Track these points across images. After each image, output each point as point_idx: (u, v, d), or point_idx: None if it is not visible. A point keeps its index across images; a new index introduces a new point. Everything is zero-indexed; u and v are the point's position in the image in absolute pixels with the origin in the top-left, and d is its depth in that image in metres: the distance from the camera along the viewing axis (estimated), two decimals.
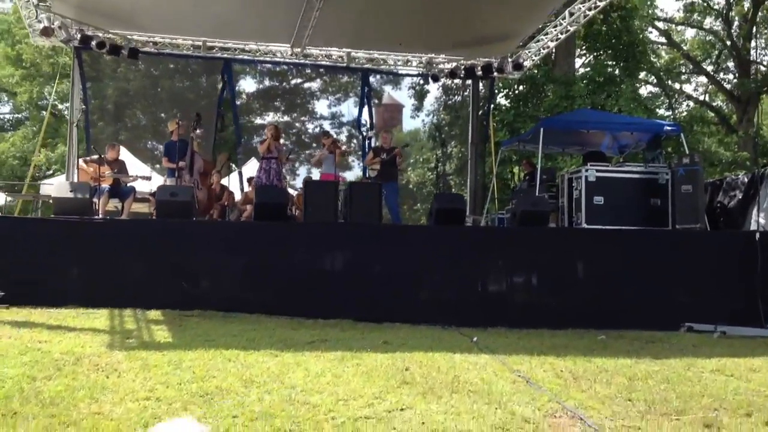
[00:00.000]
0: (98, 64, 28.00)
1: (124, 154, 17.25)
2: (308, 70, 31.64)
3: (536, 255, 9.46)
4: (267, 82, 31.80)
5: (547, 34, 14.61)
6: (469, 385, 5.33)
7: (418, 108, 30.16)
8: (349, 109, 32.59)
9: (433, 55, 15.54)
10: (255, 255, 8.84)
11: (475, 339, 7.31)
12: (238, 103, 30.67)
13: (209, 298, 8.48)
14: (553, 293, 9.37)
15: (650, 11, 30.71)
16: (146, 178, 10.53)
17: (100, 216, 9.90)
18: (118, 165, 10.63)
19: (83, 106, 14.41)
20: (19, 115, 37.66)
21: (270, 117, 32.05)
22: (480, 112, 17.69)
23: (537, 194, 11.74)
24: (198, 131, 10.88)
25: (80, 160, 10.63)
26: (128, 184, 10.55)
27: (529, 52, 15.13)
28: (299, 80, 32.33)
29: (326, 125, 32.53)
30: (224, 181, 13.40)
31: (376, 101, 33.82)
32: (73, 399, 4.52)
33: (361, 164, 11.80)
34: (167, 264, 8.66)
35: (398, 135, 45.29)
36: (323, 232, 8.93)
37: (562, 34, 14.21)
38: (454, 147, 24.38)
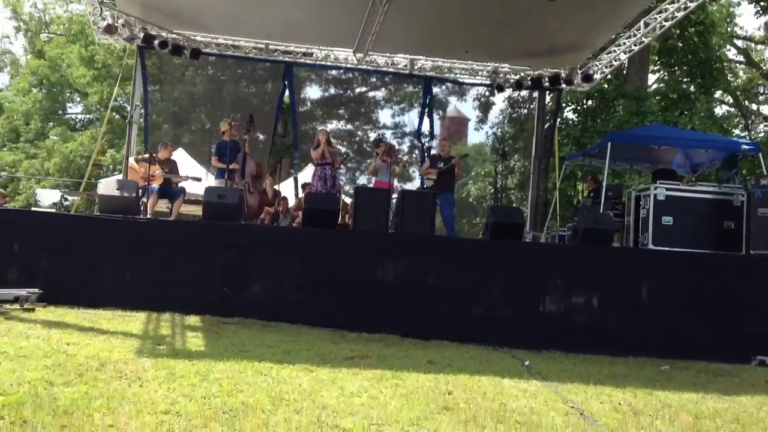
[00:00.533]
0: (167, 67, 28.34)
1: (184, 157, 17.32)
2: (373, 79, 31.42)
3: (598, 276, 8.90)
4: (332, 90, 31.60)
5: (619, 45, 14.01)
6: (517, 415, 4.87)
7: (482, 120, 29.68)
8: (411, 119, 32.17)
9: (498, 64, 15.09)
10: (300, 263, 8.54)
11: (527, 363, 6.82)
12: (301, 110, 30.92)
13: (251, 306, 8.19)
14: (614, 317, 8.81)
15: (729, 28, 29.56)
16: (197, 179, 10.33)
17: (149, 216, 9.73)
18: (169, 165, 10.45)
19: (141, 107, 14.39)
20: (90, 116, 38.53)
21: (333, 125, 31.90)
22: (546, 126, 17.15)
23: (601, 211, 11.13)
24: (251, 133, 10.63)
25: (131, 158, 10.49)
26: (179, 185, 10.34)
27: (600, 63, 14.54)
28: (363, 89, 32.06)
29: (388, 135, 32.22)
30: (281, 187, 13.22)
31: (441, 112, 33.25)
32: (89, 409, 4.22)
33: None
34: (210, 268, 8.41)
35: (461, 147, 44.75)
36: (372, 242, 8.56)
37: (635, 45, 13.59)
38: (518, 161, 23.70)
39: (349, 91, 31.80)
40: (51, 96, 37.82)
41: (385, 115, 43.63)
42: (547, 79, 14.79)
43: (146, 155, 10.30)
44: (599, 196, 12.31)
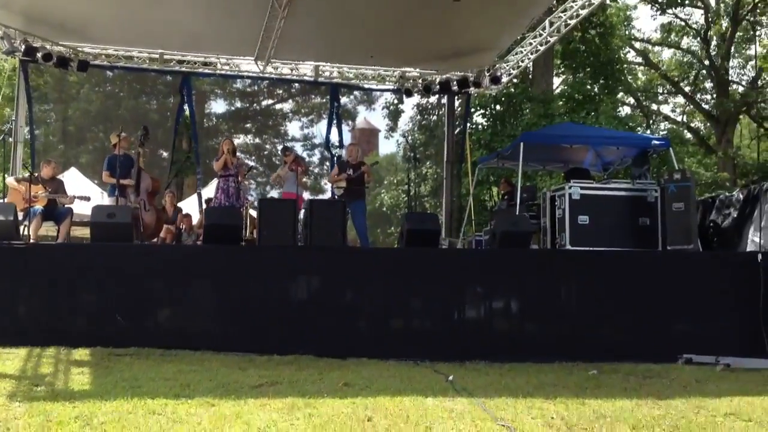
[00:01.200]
0: (62, 85, 27.03)
1: (78, 178, 16.27)
2: (279, 91, 30.85)
3: (517, 280, 8.54)
4: (237, 103, 30.78)
5: (525, 46, 13.87)
6: None
7: (392, 128, 29.42)
8: (320, 130, 31.72)
9: (406, 68, 14.73)
10: (202, 283, 7.85)
11: (450, 378, 6.34)
12: (207, 124, 29.96)
13: (148, 334, 7.45)
14: (536, 322, 8.46)
15: (627, 32, 30.29)
16: (85, 198, 9.48)
17: (32, 240, 8.87)
18: (54, 184, 9.58)
19: (26, 125, 13.38)
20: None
21: (240, 139, 31.08)
22: (456, 131, 16.92)
23: (517, 213, 10.86)
24: (145, 146, 9.89)
25: (10, 178, 9.58)
26: (66, 206, 9.47)
27: (507, 65, 14.36)
28: (270, 101, 31.39)
29: (298, 147, 31.55)
30: (187, 205, 12.45)
31: (350, 123, 32.93)
32: None
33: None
34: (101, 295, 7.63)
35: (373, 157, 44.48)
36: (280, 257, 7.93)
37: (541, 45, 13.46)
38: (429, 168, 23.57)
39: (255, 104, 31.14)
40: None
41: (293, 128, 43.09)
42: (455, 82, 14.52)
43: (28, 174, 9.41)
44: (514, 199, 12.07)
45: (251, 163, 24.90)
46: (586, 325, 8.39)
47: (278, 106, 31.72)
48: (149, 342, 7.34)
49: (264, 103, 31.34)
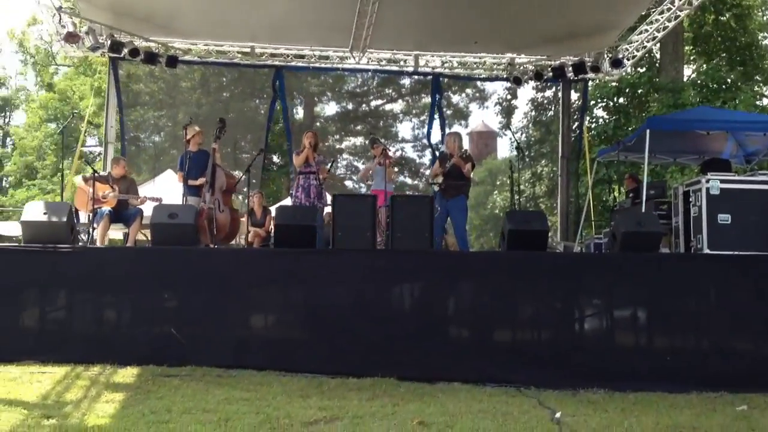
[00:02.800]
0: (174, 90, 27.17)
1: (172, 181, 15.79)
2: (389, 91, 29.95)
3: (644, 290, 7.07)
4: (346, 105, 30.09)
5: (651, 23, 12.21)
6: None
7: (505, 126, 27.92)
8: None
9: (514, 54, 13.34)
10: (268, 292, 6.84)
11: (557, 416, 5.02)
12: (315, 127, 29.43)
13: (207, 351, 6.49)
14: (667, 340, 6.98)
15: (766, 17, 27.52)
16: (157, 199, 8.72)
17: (99, 245, 8.16)
18: (125, 184, 8.87)
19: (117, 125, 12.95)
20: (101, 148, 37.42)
21: (350, 141, 30.42)
22: (575, 125, 15.38)
23: (643, 212, 9.32)
24: (221, 140, 9.03)
25: (78, 177, 8.95)
26: (136, 207, 8.74)
27: (630, 46, 12.73)
28: (379, 102, 30.53)
29: (408, 148, 30.54)
30: None
31: (463, 122, 31.56)
32: None
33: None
34: (157, 305, 6.76)
35: (491, 162, 42.86)
36: (356, 262, 6.79)
37: (669, 21, 11.77)
38: (545, 166, 21.96)
39: (364, 105, 30.29)
40: (65, 129, 36.81)
41: (404, 129, 42.11)
42: (570, 67, 12.99)
43: (101, 173, 8.76)
44: (639, 196, 10.52)
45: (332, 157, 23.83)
46: (729, 345, 6.89)
47: (388, 107, 30.80)
48: (208, 360, 6.40)
49: (373, 103, 30.50)
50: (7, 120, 42.72)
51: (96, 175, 8.37)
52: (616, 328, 7.14)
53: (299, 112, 29.63)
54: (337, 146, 30.32)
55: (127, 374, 5.95)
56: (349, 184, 31.45)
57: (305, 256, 6.86)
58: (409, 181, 29.63)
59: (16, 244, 7.22)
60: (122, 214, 8.69)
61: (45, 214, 6.93)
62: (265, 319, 6.89)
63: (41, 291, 6.68)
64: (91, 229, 8.37)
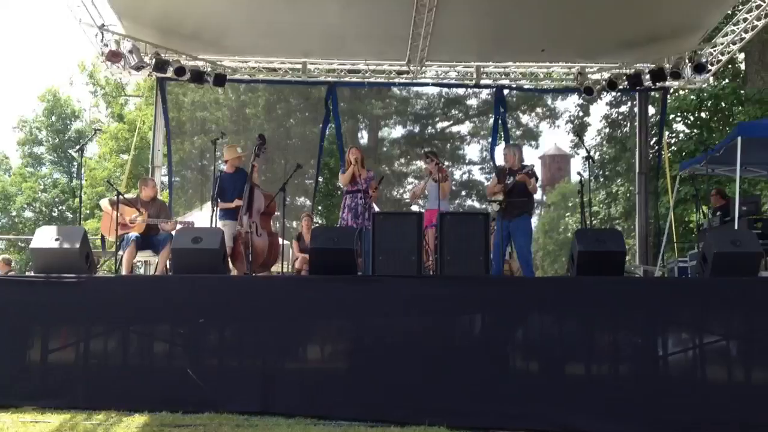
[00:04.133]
0: (239, 116, 27.06)
1: None
2: (455, 112, 29.17)
3: (742, 320, 5.96)
4: (411, 128, 29.39)
5: (738, 24, 11.04)
6: None
7: (577, 145, 26.61)
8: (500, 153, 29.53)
9: (585, 63, 12.29)
10: (301, 326, 5.95)
11: None
12: (380, 151, 28.79)
13: (229, 394, 5.66)
14: None
15: None
16: (189, 223, 8.03)
17: (124, 273, 7.49)
18: (155, 207, 8.20)
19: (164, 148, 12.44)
20: (174, 178, 37.58)
21: (416, 165, 29.64)
22: (652, 141, 14.19)
23: (737, 230, 8.15)
24: (260, 159, 8.31)
25: (104, 200, 8.33)
26: (168, 232, 8.03)
27: (714, 50, 11.54)
28: (446, 123, 29.72)
29: (475, 171, 29.54)
30: None
31: (533, 143, 30.39)
32: None
33: None
34: (174, 343, 5.97)
35: (566, 186, 41.36)
36: (398, 291, 5.85)
37: (759, 20, 10.57)
38: (621, 185, 20.62)
39: (430, 127, 29.54)
40: (135, 160, 37.21)
41: (472, 151, 41.15)
42: (647, 74, 11.85)
43: (129, 196, 8.13)
44: (729, 214, 9.34)
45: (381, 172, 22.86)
46: None
47: (455, 129, 30.07)
48: (230, 404, 5.58)
49: (439, 125, 29.74)
50: (82, 152, 43.63)
51: (122, 197, 7.71)
52: (709, 366, 6.02)
53: (364, 136, 29.12)
54: (404, 170, 29.62)
55: (132, 424, 5.15)
56: (415, 209, 30.67)
57: (341, 285, 5.97)
58: (477, 204, 28.69)
59: (22, 274, 6.54)
60: (151, 239, 8.01)
61: (57, 240, 6.27)
62: (297, 358, 6.01)
63: (46, 326, 5.97)
64: (117, 257, 7.70)
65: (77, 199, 37.35)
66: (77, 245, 6.26)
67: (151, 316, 5.98)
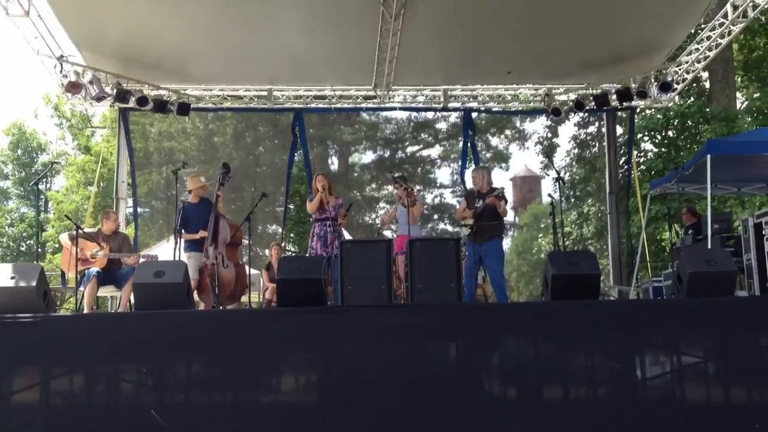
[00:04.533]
0: (207, 145, 26.78)
1: None
2: (424, 136, 29.19)
3: (720, 341, 5.86)
4: (382, 153, 29.33)
5: (701, 42, 11.10)
6: None
7: (547, 166, 26.74)
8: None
9: (551, 84, 12.30)
10: (270, 361, 5.70)
11: None
12: (350, 176, 28.66)
13: None
14: (754, 405, 5.71)
15: None
16: (152, 257, 7.78)
17: (86, 310, 7.22)
18: (116, 241, 7.92)
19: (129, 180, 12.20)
20: (140, 209, 37.02)
21: (387, 190, 29.54)
22: (621, 161, 14.20)
23: (710, 248, 8.08)
24: (224, 187, 8.09)
25: (64, 234, 8.06)
26: (131, 266, 7.76)
27: (680, 69, 11.61)
28: (416, 147, 29.70)
29: (447, 194, 29.49)
30: None
31: (503, 165, 30.46)
32: None
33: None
34: (139, 382, 5.69)
35: (536, 207, 41.51)
36: (370, 321, 5.62)
37: (722, 37, 10.64)
38: (592, 206, 20.63)
39: (400, 152, 29.51)
40: (104, 192, 36.71)
41: (443, 174, 41.18)
42: (615, 94, 11.87)
43: (89, 229, 7.85)
44: (701, 232, 9.29)
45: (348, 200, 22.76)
46: None
47: (425, 153, 30.06)
48: None
49: (409, 149, 29.70)
50: (48, 185, 42.88)
51: (82, 231, 7.44)
52: (688, 388, 5.89)
53: (334, 162, 29.00)
54: (375, 195, 29.49)
55: None
56: (388, 234, 30.54)
57: (310, 316, 5.75)
58: (450, 228, 28.59)
59: None
60: (114, 274, 7.74)
61: (12, 278, 5.97)
62: (267, 392, 5.74)
63: (2, 369, 5.66)
64: (78, 294, 7.42)
65: (47, 233, 36.80)
66: (33, 283, 5.97)
67: (114, 354, 5.68)
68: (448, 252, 5.99)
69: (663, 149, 19.23)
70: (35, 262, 8.58)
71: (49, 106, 36.02)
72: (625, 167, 14.16)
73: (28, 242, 37.52)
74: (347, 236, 10.07)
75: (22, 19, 9.31)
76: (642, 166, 18.20)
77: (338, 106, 12.66)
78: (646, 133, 19.17)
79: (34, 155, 39.51)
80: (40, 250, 36.26)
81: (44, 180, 34.62)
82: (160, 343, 5.73)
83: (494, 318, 5.93)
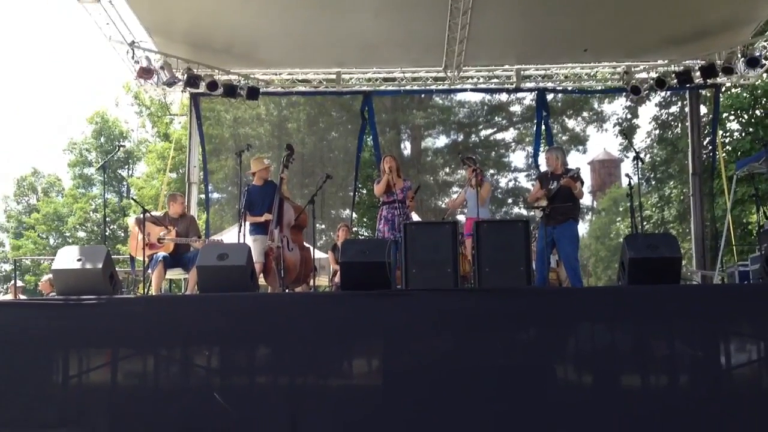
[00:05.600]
0: (280, 131, 26.95)
1: None
2: (498, 119, 28.65)
3: None
4: (454, 136, 28.92)
5: None
6: None
7: (626, 147, 25.82)
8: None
9: (631, 61, 11.78)
10: (331, 347, 5.58)
11: None
12: (423, 160, 28.39)
13: (257, 421, 5.33)
14: None
15: None
16: (218, 241, 7.76)
17: (154, 292, 7.26)
18: (184, 224, 7.95)
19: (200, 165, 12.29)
20: (218, 195, 37.66)
21: (461, 174, 29.19)
22: (705, 141, 13.56)
23: None
24: (289, 169, 8.00)
25: (130, 218, 8.12)
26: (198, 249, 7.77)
27: None
28: (490, 131, 29.16)
29: (521, 177, 28.89)
30: None
31: (581, 148, 29.64)
32: None
33: None
34: (198, 366, 5.66)
35: (616, 190, 40.26)
36: (435, 305, 5.45)
37: None
38: (674, 188, 19.85)
39: (473, 136, 29.01)
40: (181, 178, 37.42)
41: (517, 158, 40.35)
42: (698, 71, 11.28)
43: (156, 213, 7.89)
44: None
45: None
46: None
47: (499, 136, 29.41)
48: (259, 430, 5.26)
49: (483, 133, 29.18)
50: (130, 172, 44.08)
51: (149, 215, 7.48)
52: None
53: (407, 147, 28.77)
54: (448, 179, 29.13)
55: None
56: (462, 218, 30.09)
57: (370, 300, 5.59)
58: (524, 212, 28.03)
59: (41, 298, 6.31)
60: (181, 258, 7.77)
61: (79, 260, 6.03)
62: (327, 380, 5.64)
63: (66, 352, 5.70)
64: (145, 278, 7.48)
65: (126, 218, 37.86)
66: (99, 265, 6.01)
67: (178, 337, 5.68)
68: (517, 234, 5.72)
69: (750, 128, 18.37)
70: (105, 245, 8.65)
71: (130, 94, 36.86)
72: (710, 148, 13.52)
73: (111, 227, 38.57)
74: (416, 219, 9.86)
75: (93, 5, 9.43)
76: (727, 147, 17.43)
77: (408, 88, 12.41)
78: (732, 112, 18.34)
79: (116, 143, 40.59)
80: (108, 233, 37.44)
81: (111, 164, 35.32)
82: (223, 326, 5.67)
83: (566, 302, 5.65)
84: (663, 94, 18.94)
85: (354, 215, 22.43)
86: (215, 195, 28.10)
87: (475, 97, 27.65)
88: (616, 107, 28.38)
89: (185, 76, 11.12)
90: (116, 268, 6.44)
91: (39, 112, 74.53)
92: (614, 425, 5.18)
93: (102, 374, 5.66)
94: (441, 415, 5.24)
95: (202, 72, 11.37)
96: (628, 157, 28.73)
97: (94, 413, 5.46)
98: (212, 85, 11.31)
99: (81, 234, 39.00)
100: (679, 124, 21.53)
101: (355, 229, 24.07)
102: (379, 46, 11.38)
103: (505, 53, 11.76)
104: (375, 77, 12.17)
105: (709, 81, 11.52)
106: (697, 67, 11.31)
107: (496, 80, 12.35)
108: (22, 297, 11.44)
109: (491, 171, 27.53)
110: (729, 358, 5.57)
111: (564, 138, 27.51)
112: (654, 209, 22.12)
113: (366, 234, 24.89)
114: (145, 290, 7.43)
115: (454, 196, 28.33)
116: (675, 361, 5.53)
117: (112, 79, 74.62)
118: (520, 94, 23.89)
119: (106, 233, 38.49)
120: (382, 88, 12.39)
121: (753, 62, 10.75)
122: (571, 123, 28.33)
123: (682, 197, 19.75)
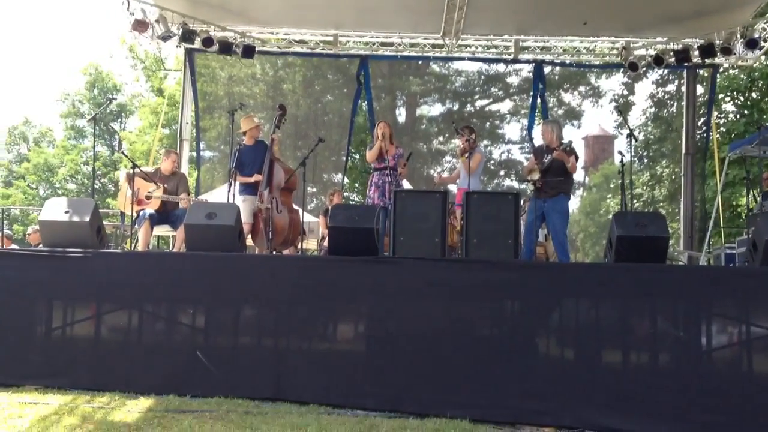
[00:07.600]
0: (275, 92, 26.74)
1: None
2: (495, 90, 28.47)
3: None
4: (450, 105, 28.74)
5: None
6: None
7: (620, 124, 25.77)
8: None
9: (630, 37, 11.70)
10: (318, 310, 5.63)
11: None
12: (417, 128, 28.26)
13: (241, 378, 5.38)
14: None
15: None
16: (204, 200, 7.74)
17: (140, 248, 7.23)
18: (173, 181, 7.91)
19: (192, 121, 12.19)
20: (210, 153, 37.44)
21: (454, 144, 29.07)
22: (700, 121, 13.51)
23: None
24: (280, 130, 7.94)
25: (122, 172, 8.09)
26: (184, 207, 7.74)
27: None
28: (485, 101, 28.99)
29: (515, 150, 28.81)
30: None
31: (575, 122, 29.51)
32: None
33: None
34: (183, 322, 5.69)
35: (608, 167, 40.27)
36: (421, 276, 5.45)
37: None
38: (666, 167, 19.85)
39: (469, 105, 28.84)
40: (173, 134, 37.19)
41: (512, 130, 40.18)
42: (696, 50, 11.23)
43: (146, 169, 7.84)
44: None
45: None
46: None
47: (494, 107, 29.21)
48: (241, 389, 5.31)
49: (478, 103, 29.01)
50: (123, 126, 43.73)
51: (139, 171, 7.43)
52: (757, 362, 5.55)
53: (402, 113, 28.58)
54: (442, 148, 29.05)
55: (134, 407, 4.89)
56: (453, 188, 30.10)
57: (357, 266, 5.61)
58: (516, 185, 28.01)
59: (26, 248, 6.30)
60: (169, 215, 7.74)
61: (66, 212, 6.02)
62: (312, 342, 5.68)
63: (50, 303, 5.73)
64: (133, 234, 7.45)
65: (117, 172, 37.64)
66: (87, 218, 6.00)
67: (161, 294, 5.70)
68: (507, 207, 5.74)
69: (745, 111, 18.33)
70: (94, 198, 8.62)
71: (125, 46, 36.45)
72: (704, 128, 13.49)
73: (102, 180, 38.40)
74: (408, 187, 9.84)
75: None
76: (722, 128, 17.41)
77: (405, 54, 12.30)
78: (728, 94, 18.28)
79: (110, 95, 40.19)
80: (99, 186, 37.23)
81: (104, 117, 34.97)
82: (209, 285, 5.70)
83: (552, 277, 5.67)
84: (660, 72, 18.90)
85: (346, 180, 22.38)
86: (207, 153, 27.90)
87: (473, 67, 27.43)
88: (613, 83, 28.36)
89: (180, 30, 10.96)
90: (105, 223, 6.41)
91: (33, 61, 73.71)
92: (595, 399, 5.23)
93: (86, 327, 5.69)
94: (423, 380, 5.30)
95: (197, 27, 11.21)
96: (622, 134, 28.71)
97: (77, 365, 5.48)
98: (207, 41, 11.18)
99: (71, 186, 38.77)
100: (675, 103, 21.45)
101: (346, 194, 24.05)
102: (377, 9, 11.24)
103: (504, 22, 11.64)
104: (372, 41, 12.05)
105: (707, 61, 11.49)
106: (695, 46, 11.27)
107: (494, 50, 12.27)
108: (14, 246, 11.40)
109: (485, 142, 27.41)
110: (710, 339, 5.62)
111: (559, 112, 27.42)
112: (645, 187, 22.14)
113: (357, 200, 24.84)
114: (132, 246, 7.41)
115: (447, 165, 28.40)
116: (657, 340, 5.57)
117: (107, 30, 73.80)
118: (517, 66, 23.66)
119: (96, 186, 38.35)
120: (380, 52, 12.25)
121: (752, 44, 10.70)
122: (567, 97, 28.22)
123: (673, 177, 19.77)
